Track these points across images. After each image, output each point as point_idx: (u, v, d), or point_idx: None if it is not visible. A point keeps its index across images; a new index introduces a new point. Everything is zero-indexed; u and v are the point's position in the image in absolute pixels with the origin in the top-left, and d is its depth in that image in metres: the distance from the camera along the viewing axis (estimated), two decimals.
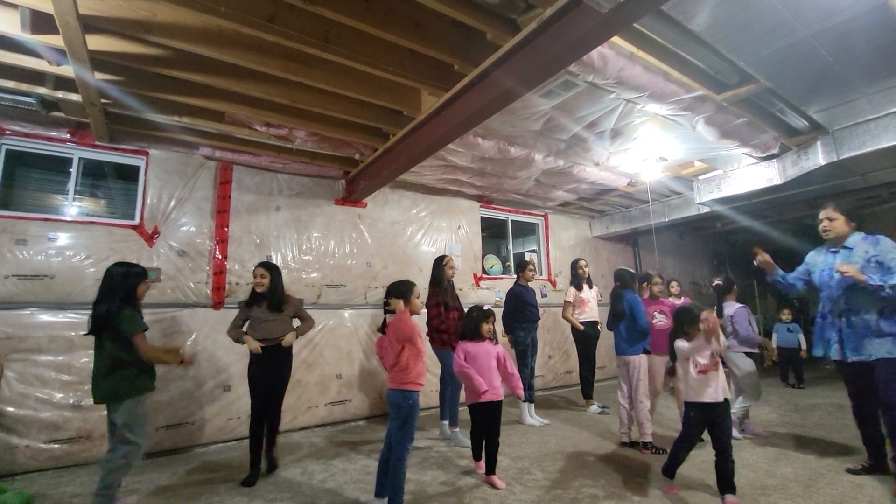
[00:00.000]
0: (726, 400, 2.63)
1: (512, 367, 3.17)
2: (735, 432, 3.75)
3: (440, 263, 4.10)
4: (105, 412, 2.67)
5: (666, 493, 2.75)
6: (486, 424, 3.02)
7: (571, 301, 5.03)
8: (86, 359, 3.63)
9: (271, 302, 3.27)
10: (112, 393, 2.57)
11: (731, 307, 3.93)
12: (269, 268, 3.33)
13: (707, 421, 2.65)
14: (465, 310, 4.00)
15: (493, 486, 2.91)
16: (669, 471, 2.82)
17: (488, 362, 3.05)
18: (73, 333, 3.63)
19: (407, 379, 2.56)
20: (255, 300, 3.30)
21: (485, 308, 3.17)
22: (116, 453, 2.54)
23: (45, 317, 3.59)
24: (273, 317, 3.26)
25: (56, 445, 3.43)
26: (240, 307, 3.37)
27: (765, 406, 4.86)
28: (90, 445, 3.53)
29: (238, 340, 3.26)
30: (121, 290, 2.64)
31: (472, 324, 3.12)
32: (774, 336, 6.47)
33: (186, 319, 4.10)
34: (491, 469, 2.99)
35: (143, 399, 2.65)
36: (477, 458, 3.15)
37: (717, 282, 4.17)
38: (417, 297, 2.71)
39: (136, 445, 2.58)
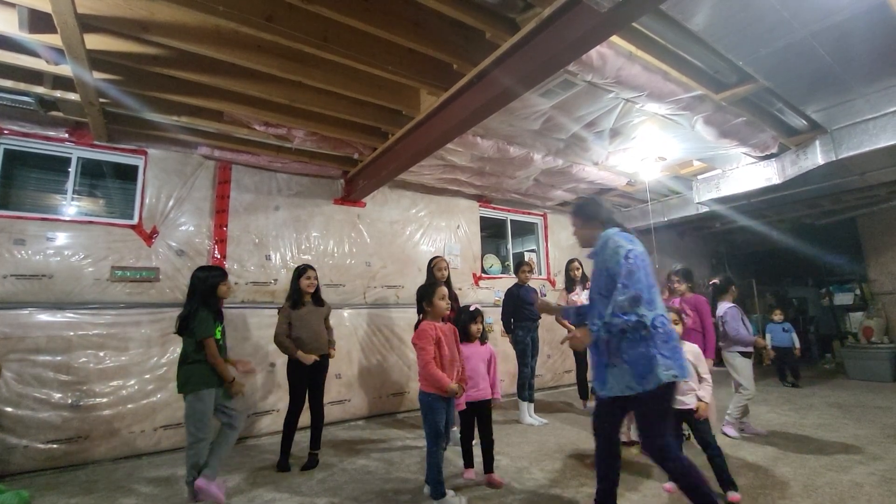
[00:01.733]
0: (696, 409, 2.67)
1: (495, 375, 3.12)
2: (734, 432, 3.76)
3: (430, 265, 4.12)
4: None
5: (665, 491, 2.75)
6: (480, 424, 3.01)
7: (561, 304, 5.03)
8: (84, 359, 3.63)
9: (316, 298, 3.53)
10: (181, 384, 2.77)
11: (723, 307, 3.93)
12: (314, 269, 3.59)
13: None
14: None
15: (491, 484, 2.91)
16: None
17: (479, 365, 3.06)
18: (72, 333, 3.62)
19: (419, 379, 2.74)
20: (302, 301, 3.48)
21: (471, 309, 3.17)
22: (187, 445, 2.73)
23: (44, 317, 3.58)
24: (316, 312, 3.50)
25: (55, 446, 3.42)
26: (281, 310, 3.46)
27: (763, 405, 4.86)
28: (89, 446, 3.53)
29: (289, 353, 3.33)
30: (201, 292, 2.83)
31: (461, 325, 3.11)
32: (769, 336, 6.50)
33: None
34: (489, 468, 2.98)
35: (204, 394, 2.74)
36: (467, 464, 3.08)
37: (714, 281, 4.17)
38: (442, 299, 2.79)
39: (198, 440, 2.70)
